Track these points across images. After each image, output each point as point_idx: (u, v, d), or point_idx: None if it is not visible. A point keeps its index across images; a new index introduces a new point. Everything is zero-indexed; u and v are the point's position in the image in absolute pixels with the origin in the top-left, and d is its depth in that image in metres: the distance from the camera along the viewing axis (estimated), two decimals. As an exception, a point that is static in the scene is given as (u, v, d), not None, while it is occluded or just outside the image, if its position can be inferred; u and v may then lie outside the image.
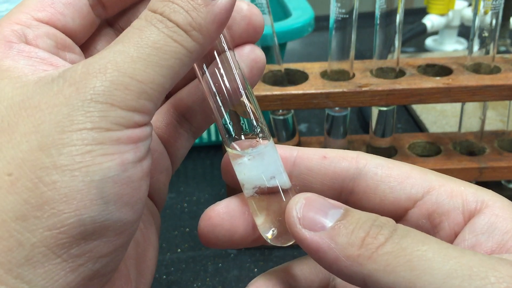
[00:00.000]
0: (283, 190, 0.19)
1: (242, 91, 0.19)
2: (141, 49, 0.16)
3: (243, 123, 0.19)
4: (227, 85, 0.19)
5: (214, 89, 0.19)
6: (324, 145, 0.44)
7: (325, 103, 0.38)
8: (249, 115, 0.19)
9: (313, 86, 0.38)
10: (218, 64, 0.19)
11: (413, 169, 0.19)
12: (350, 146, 0.44)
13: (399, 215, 0.19)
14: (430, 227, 0.18)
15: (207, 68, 0.19)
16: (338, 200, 0.18)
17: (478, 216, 0.17)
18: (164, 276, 0.41)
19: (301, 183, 0.20)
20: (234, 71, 0.19)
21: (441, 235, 0.18)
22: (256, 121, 0.19)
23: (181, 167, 0.55)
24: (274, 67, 0.40)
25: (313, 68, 0.41)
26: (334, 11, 0.37)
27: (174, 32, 0.17)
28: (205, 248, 0.44)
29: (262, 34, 0.20)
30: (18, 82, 0.17)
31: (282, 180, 0.19)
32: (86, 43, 0.21)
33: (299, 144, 0.44)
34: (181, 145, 0.22)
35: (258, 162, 0.19)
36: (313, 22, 0.50)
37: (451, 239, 0.18)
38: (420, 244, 0.15)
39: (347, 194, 0.19)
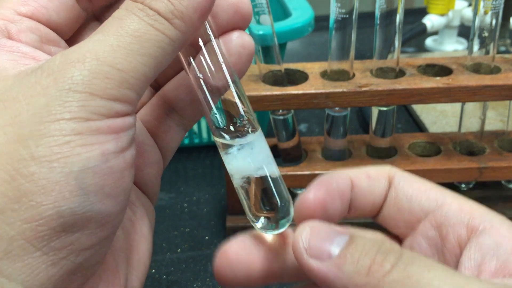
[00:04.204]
0: (272, 178, 0.19)
1: (230, 81, 0.19)
2: (121, 38, 0.16)
3: (231, 114, 0.19)
4: (214, 75, 0.19)
5: (201, 80, 0.19)
6: (324, 145, 0.44)
7: (325, 103, 0.38)
8: (237, 105, 0.19)
9: (313, 86, 0.38)
10: (204, 54, 0.19)
11: (433, 186, 0.20)
12: (350, 146, 0.44)
13: (412, 226, 0.20)
14: (439, 239, 0.19)
15: (193, 58, 0.19)
16: None
17: (484, 235, 0.18)
18: (164, 276, 0.41)
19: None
20: (221, 60, 0.19)
21: (448, 247, 0.19)
22: (244, 111, 0.19)
23: (181, 167, 0.55)
24: (274, 67, 0.40)
25: (313, 68, 0.41)
26: (334, 11, 0.37)
27: (155, 21, 0.16)
28: (205, 248, 0.44)
29: (250, 20, 0.20)
30: None
31: (271, 169, 0.19)
32: (73, 37, 0.21)
33: (299, 144, 0.44)
34: (171, 138, 0.22)
35: (247, 152, 0.19)
36: (313, 22, 0.50)
37: (456, 250, 0.18)
38: (426, 271, 0.15)
39: None
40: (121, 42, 0.16)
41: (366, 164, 0.42)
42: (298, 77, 0.41)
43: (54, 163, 0.15)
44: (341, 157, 0.43)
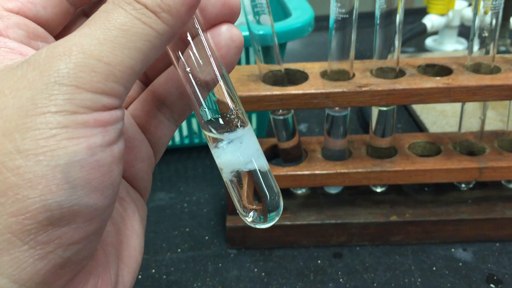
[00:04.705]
0: (261, 172, 0.19)
1: (218, 75, 0.19)
2: (108, 31, 0.16)
3: (220, 109, 0.19)
4: (202, 69, 0.19)
5: (190, 74, 0.19)
6: (324, 145, 0.44)
7: (325, 103, 0.38)
8: (226, 100, 0.19)
9: (313, 86, 0.38)
10: (192, 48, 0.19)
11: None
12: (350, 146, 0.44)
13: None
14: None
15: (181, 52, 0.19)
16: None
17: None
18: (164, 276, 0.41)
19: None
20: (209, 54, 0.19)
21: None
22: (233, 105, 0.19)
23: (181, 167, 0.55)
24: (274, 67, 0.39)
25: (313, 68, 0.41)
26: (334, 11, 0.37)
27: (142, 14, 0.16)
28: (205, 248, 0.44)
29: (239, 13, 0.20)
30: None
31: (260, 163, 0.19)
32: (62, 33, 0.21)
33: (299, 144, 0.44)
34: (162, 133, 0.22)
35: (236, 146, 0.19)
36: (313, 22, 0.50)
37: None
38: None
39: None
40: (108, 36, 0.16)
41: (366, 164, 0.42)
42: (298, 77, 0.41)
43: (40, 156, 0.15)
44: (341, 157, 0.43)
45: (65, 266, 0.16)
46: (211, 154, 0.20)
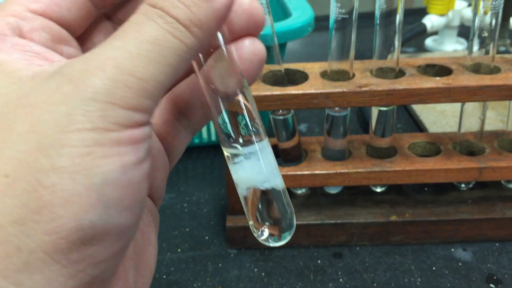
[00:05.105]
0: (277, 191, 0.19)
1: (240, 88, 0.19)
2: (140, 45, 0.16)
3: (239, 122, 0.19)
4: (224, 81, 0.19)
5: (211, 85, 0.19)
6: (324, 145, 0.44)
7: (325, 103, 0.38)
8: (245, 114, 0.19)
9: (313, 86, 0.38)
10: (215, 59, 0.19)
11: None
12: (350, 146, 0.44)
13: None
14: None
15: (204, 62, 0.19)
16: None
17: None
18: (164, 276, 0.41)
19: None
20: (232, 66, 0.19)
21: None
22: (252, 120, 0.19)
23: (181, 167, 0.55)
24: (274, 67, 0.40)
25: (313, 68, 0.41)
26: (334, 11, 0.37)
27: (174, 28, 0.16)
28: (205, 248, 0.44)
29: (263, 28, 0.20)
30: (12, 77, 0.16)
31: (276, 182, 0.19)
32: (83, 35, 0.20)
33: (299, 144, 0.44)
34: (179, 142, 0.22)
35: (253, 162, 0.19)
36: (313, 22, 0.50)
37: None
38: None
39: None
40: (141, 50, 0.16)
41: (366, 164, 0.42)
42: (298, 77, 0.41)
43: (75, 175, 0.15)
44: (341, 157, 0.43)
45: (93, 284, 0.16)
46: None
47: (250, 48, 0.19)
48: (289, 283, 0.40)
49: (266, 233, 0.19)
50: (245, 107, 0.19)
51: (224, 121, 0.19)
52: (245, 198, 0.19)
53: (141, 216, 0.17)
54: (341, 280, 0.40)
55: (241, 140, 0.19)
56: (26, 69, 0.16)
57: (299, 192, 0.46)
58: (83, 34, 0.20)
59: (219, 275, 0.41)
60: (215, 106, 0.19)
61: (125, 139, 0.16)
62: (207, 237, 0.45)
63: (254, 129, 0.19)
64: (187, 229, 0.46)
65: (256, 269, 0.42)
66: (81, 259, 0.15)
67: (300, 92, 0.38)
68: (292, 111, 0.42)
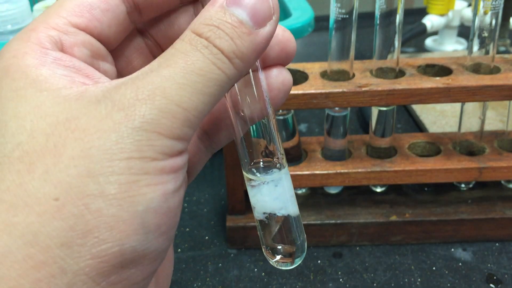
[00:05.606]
0: (293, 218, 0.20)
1: (265, 115, 0.19)
2: (187, 76, 0.16)
3: (262, 148, 0.20)
4: (253, 106, 0.19)
5: (238, 108, 0.19)
6: (324, 145, 0.44)
7: (325, 103, 0.38)
8: (269, 140, 0.20)
9: (313, 86, 0.38)
10: (247, 83, 0.19)
11: None
12: (350, 146, 0.44)
13: None
14: None
15: (235, 85, 0.19)
16: None
17: None
18: (164, 276, 0.41)
19: None
20: (260, 93, 0.19)
21: None
22: (275, 147, 0.20)
23: (181, 167, 0.55)
24: (274, 67, 0.39)
25: (313, 68, 0.41)
26: (334, 11, 0.37)
27: (218, 59, 0.17)
28: (205, 248, 0.44)
29: (293, 59, 0.21)
30: (59, 97, 0.16)
31: (292, 210, 0.20)
32: (116, 49, 0.20)
33: (299, 144, 0.44)
34: (198, 160, 0.22)
35: (271, 189, 0.19)
36: (313, 22, 0.50)
37: None
38: None
39: None
40: (187, 80, 0.16)
41: (366, 164, 0.42)
42: (298, 77, 0.41)
43: (121, 202, 0.15)
44: (341, 157, 0.43)
45: None
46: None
47: (280, 78, 0.20)
48: (289, 283, 0.40)
49: (278, 257, 0.20)
50: (269, 134, 0.19)
51: (247, 145, 0.20)
52: (261, 222, 0.20)
53: (173, 239, 0.18)
54: (341, 280, 0.40)
55: (262, 166, 0.19)
56: (70, 88, 0.17)
57: (299, 192, 0.47)
58: (116, 48, 0.20)
59: (219, 275, 0.41)
60: (239, 130, 0.19)
61: (168, 167, 0.16)
62: (207, 237, 0.45)
63: (275, 157, 0.19)
64: (187, 229, 0.46)
65: (256, 269, 0.42)
66: (118, 281, 0.16)
67: (300, 92, 0.38)
68: (292, 111, 0.42)
